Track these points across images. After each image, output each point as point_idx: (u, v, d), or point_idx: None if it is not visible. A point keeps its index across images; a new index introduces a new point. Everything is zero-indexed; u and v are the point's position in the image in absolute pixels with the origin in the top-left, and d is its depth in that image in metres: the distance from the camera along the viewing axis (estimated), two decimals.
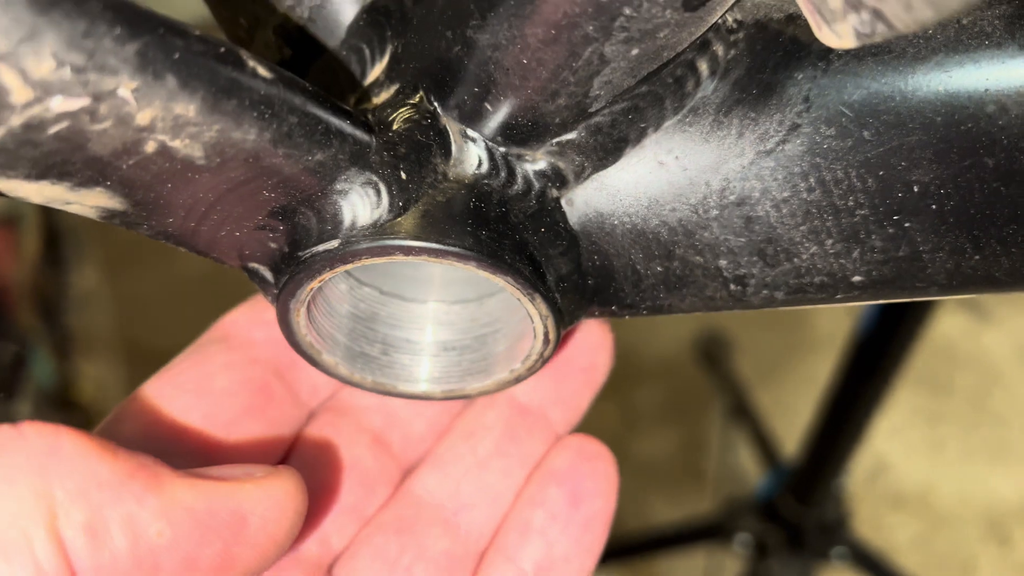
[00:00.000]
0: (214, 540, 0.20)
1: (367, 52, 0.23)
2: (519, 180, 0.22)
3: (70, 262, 1.25)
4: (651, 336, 1.26)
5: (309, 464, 0.27)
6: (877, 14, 0.15)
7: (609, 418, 1.20)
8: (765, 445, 1.08)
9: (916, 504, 1.19)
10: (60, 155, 0.18)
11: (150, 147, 0.18)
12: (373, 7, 0.24)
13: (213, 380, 0.27)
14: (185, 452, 0.25)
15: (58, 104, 0.16)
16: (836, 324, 1.27)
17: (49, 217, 1.20)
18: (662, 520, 1.12)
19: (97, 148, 0.18)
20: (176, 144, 0.18)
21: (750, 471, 1.14)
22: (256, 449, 0.26)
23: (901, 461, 1.22)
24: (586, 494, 0.27)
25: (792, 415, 1.18)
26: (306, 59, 0.24)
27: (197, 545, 0.19)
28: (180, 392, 0.26)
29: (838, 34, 0.16)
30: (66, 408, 1.15)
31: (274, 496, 0.21)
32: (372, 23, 0.23)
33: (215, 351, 0.28)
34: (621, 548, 1.05)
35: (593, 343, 0.29)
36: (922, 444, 1.24)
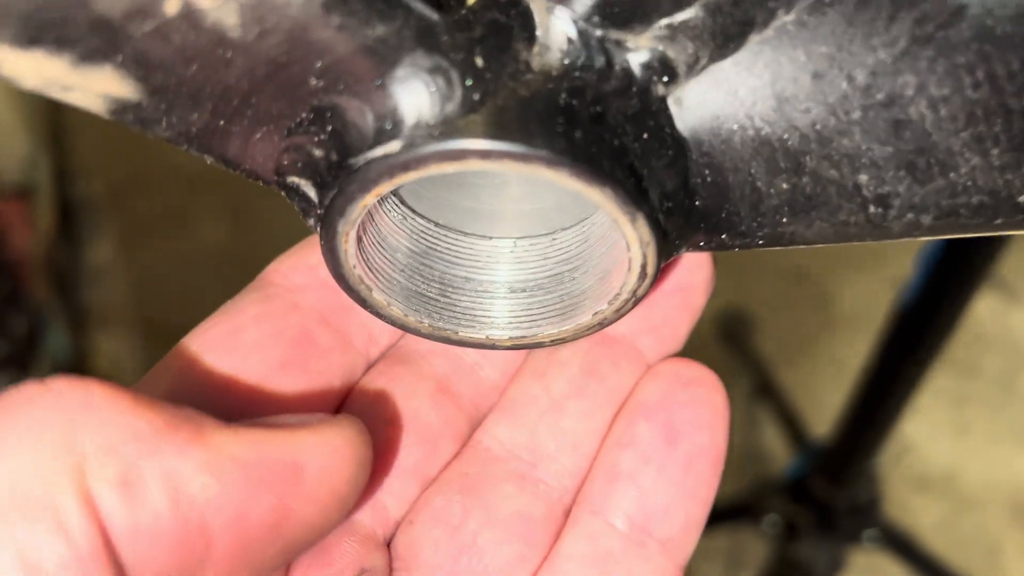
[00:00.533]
0: (267, 494, 0.18)
1: None
2: (618, 72, 0.18)
3: (85, 235, 1.24)
4: None
5: (363, 420, 0.23)
6: None
7: None
8: (792, 425, 1.06)
9: (941, 487, 1.17)
10: (58, 9, 0.14)
11: (171, 6, 0.14)
12: None
13: (242, 334, 0.23)
14: (217, 409, 0.22)
15: None
16: (863, 302, 1.24)
17: (64, 189, 1.18)
18: None
19: (105, 2, 0.14)
20: (205, 3, 0.14)
21: (775, 451, 1.11)
22: (296, 406, 0.23)
23: (926, 443, 1.20)
24: (685, 427, 0.22)
25: (817, 394, 1.15)
26: None
27: (248, 499, 0.17)
28: (207, 350, 0.23)
29: None
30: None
31: (333, 445, 0.19)
32: None
33: (249, 302, 0.24)
34: None
35: (689, 258, 0.24)
36: (948, 426, 1.22)
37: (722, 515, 1.01)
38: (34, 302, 1.08)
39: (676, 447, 0.22)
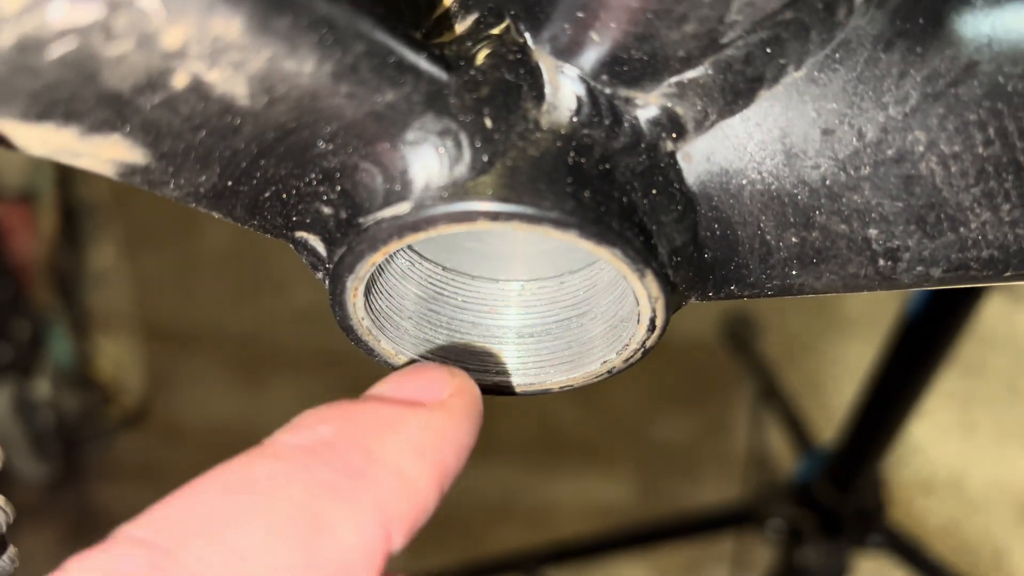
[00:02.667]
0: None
1: None
2: (626, 129, 0.18)
3: (88, 239, 1.24)
4: (676, 316, 1.23)
5: None
6: None
7: (633, 400, 1.17)
8: (797, 429, 1.05)
9: (947, 489, 1.17)
10: (67, 88, 0.14)
11: (181, 80, 0.14)
12: None
13: None
14: None
15: (62, 13, 0.12)
16: (867, 304, 1.24)
17: (67, 193, 1.18)
18: (687, 504, 1.10)
19: (114, 80, 0.14)
20: (214, 76, 0.14)
21: (780, 456, 1.11)
22: None
23: (932, 445, 1.20)
24: None
25: (822, 397, 1.15)
26: None
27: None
28: None
29: None
30: (84, 386, 1.14)
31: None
32: None
33: None
34: (649, 533, 1.03)
35: None
36: (954, 427, 1.22)
37: (727, 519, 1.01)
38: (37, 306, 1.08)
39: None
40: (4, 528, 0.18)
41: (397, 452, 0.17)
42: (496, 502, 1.10)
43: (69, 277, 1.18)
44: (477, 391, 0.20)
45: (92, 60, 0.13)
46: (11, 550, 0.18)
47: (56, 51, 0.13)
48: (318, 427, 0.17)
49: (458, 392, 0.19)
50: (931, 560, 0.94)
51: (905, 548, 0.95)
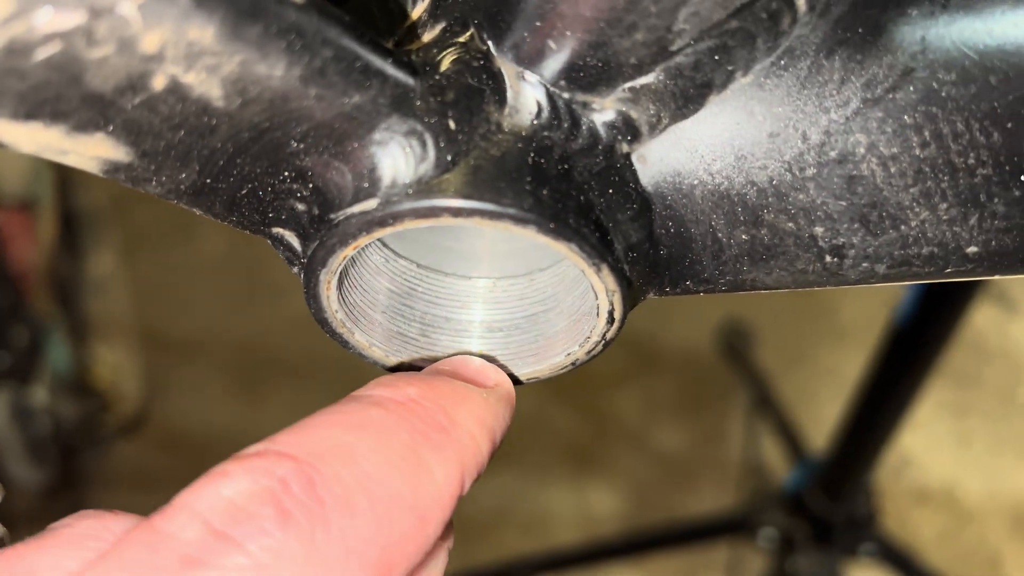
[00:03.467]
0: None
1: None
2: (584, 132, 0.19)
3: (87, 247, 1.24)
4: (671, 325, 1.23)
5: None
6: None
7: (629, 409, 1.18)
8: (790, 438, 1.06)
9: (941, 499, 1.17)
10: (52, 88, 0.15)
11: (159, 82, 0.15)
12: None
13: None
14: None
15: (47, 19, 0.13)
16: (861, 313, 1.24)
17: (66, 201, 1.19)
18: (681, 513, 1.10)
19: (96, 81, 0.15)
20: (190, 79, 0.15)
21: (774, 465, 1.11)
22: None
23: (926, 455, 1.20)
24: None
25: (816, 406, 1.15)
26: None
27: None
28: None
29: None
30: (82, 393, 1.15)
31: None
32: None
33: None
34: (642, 541, 1.03)
35: None
36: (948, 438, 1.22)
37: (721, 528, 1.02)
38: (36, 313, 1.09)
39: None
40: None
41: (467, 418, 0.20)
42: (492, 509, 1.11)
43: (67, 284, 1.19)
44: (511, 384, 0.23)
45: (76, 63, 0.14)
46: (1, 529, 0.19)
47: (42, 54, 0.14)
48: (407, 388, 0.20)
49: (501, 382, 0.23)
50: (922, 569, 0.95)
51: (897, 557, 0.95)
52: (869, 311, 1.23)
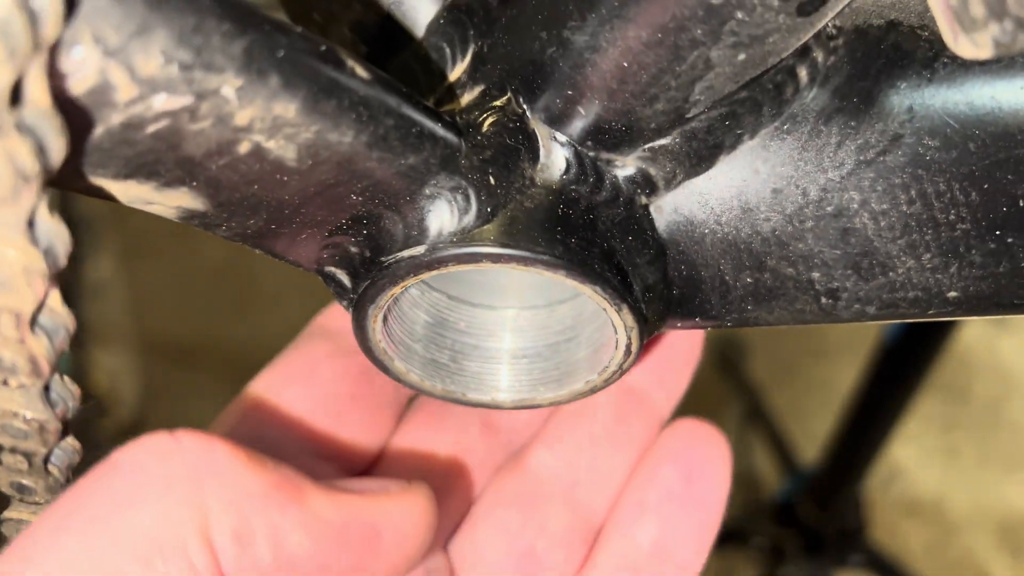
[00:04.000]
0: (349, 552, 0.20)
1: (448, 51, 0.23)
2: (607, 186, 0.22)
3: (85, 252, 1.24)
4: None
5: (415, 448, 0.28)
6: (1021, 23, 0.15)
7: None
8: (781, 450, 1.08)
9: (929, 511, 1.18)
10: (153, 155, 0.17)
11: (244, 148, 0.18)
12: (454, 5, 0.23)
13: (319, 369, 0.27)
14: (296, 439, 0.26)
15: (161, 103, 0.16)
16: (851, 329, 1.26)
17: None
18: None
19: (191, 148, 0.17)
20: (271, 145, 0.18)
21: (765, 476, 1.13)
22: (363, 432, 0.27)
23: (915, 467, 1.21)
24: (700, 472, 0.27)
25: (807, 418, 1.17)
26: (383, 58, 0.23)
27: (334, 556, 0.20)
28: (289, 383, 0.26)
29: (976, 44, 0.15)
30: (79, 398, 1.15)
31: (408, 512, 0.22)
32: (453, 21, 0.23)
33: (317, 343, 0.28)
34: None
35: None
36: (936, 451, 1.23)
37: None
38: None
39: (693, 487, 0.27)
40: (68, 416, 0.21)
41: None
42: None
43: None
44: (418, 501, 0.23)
45: (178, 134, 0.17)
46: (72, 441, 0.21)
47: (152, 128, 0.16)
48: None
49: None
50: None
51: (885, 567, 0.97)
52: (858, 327, 1.24)
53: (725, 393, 1.19)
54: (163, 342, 1.24)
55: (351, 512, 0.20)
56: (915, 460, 1.21)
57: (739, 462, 1.08)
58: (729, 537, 1.00)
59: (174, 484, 0.18)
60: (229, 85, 0.16)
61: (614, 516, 0.27)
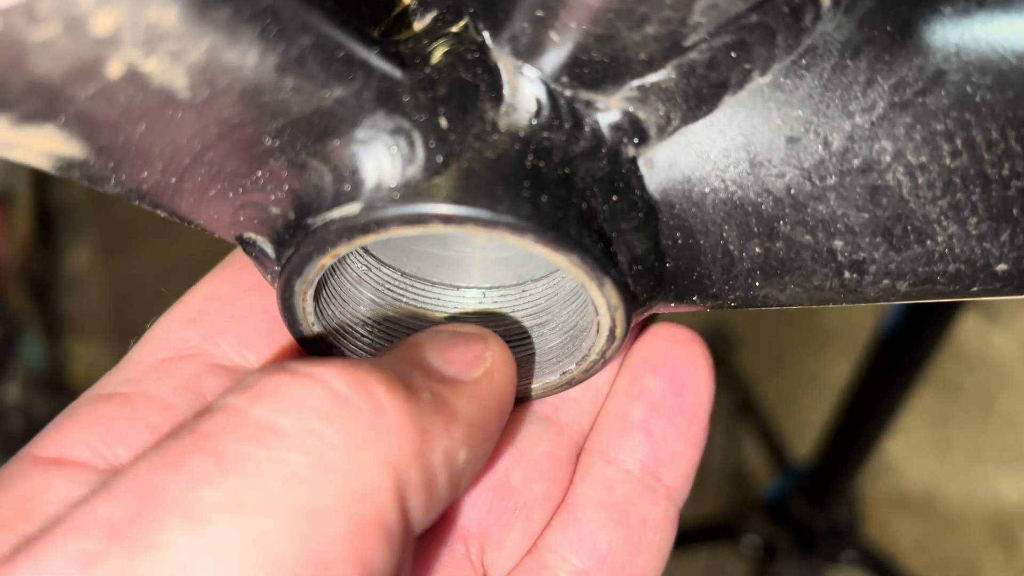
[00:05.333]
0: (489, 441, 0.19)
1: None
2: (587, 133, 0.18)
3: (63, 242, 1.23)
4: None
5: None
6: None
7: None
8: (772, 444, 1.05)
9: (921, 506, 1.17)
10: None
11: (114, 69, 0.14)
12: None
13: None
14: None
15: None
16: (844, 319, 1.24)
17: (42, 195, 1.16)
18: None
19: (42, 66, 0.13)
20: (150, 66, 0.14)
21: (755, 471, 1.11)
22: None
23: (906, 462, 1.20)
24: (687, 381, 0.24)
25: (798, 412, 1.15)
26: None
27: (484, 452, 0.19)
28: (242, 291, 0.22)
29: None
30: (56, 391, 1.12)
31: (506, 367, 0.20)
32: None
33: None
34: None
35: None
36: (928, 445, 1.22)
37: (702, 534, 1.01)
38: (10, 310, 1.07)
39: (682, 399, 0.24)
40: None
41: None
42: None
43: (43, 281, 1.16)
44: (505, 360, 0.21)
45: (16, 44, 0.13)
46: None
47: None
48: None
49: (491, 367, 0.20)
50: None
51: (878, 565, 0.95)
52: (852, 317, 1.23)
53: (714, 386, 1.16)
54: (141, 334, 1.20)
55: (485, 400, 0.19)
56: (906, 454, 1.20)
57: (729, 457, 1.06)
58: (719, 534, 0.98)
59: (359, 448, 0.16)
60: None
61: (596, 435, 0.24)
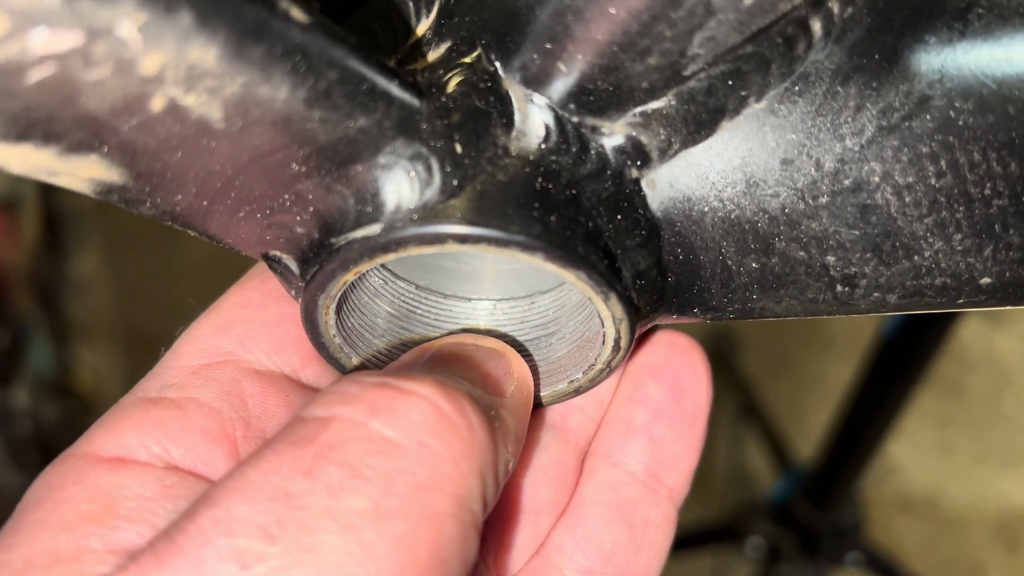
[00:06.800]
0: (521, 447, 0.21)
1: (411, 5, 0.20)
2: (593, 156, 0.19)
3: (70, 247, 1.23)
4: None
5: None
6: None
7: None
8: (776, 447, 1.06)
9: (925, 507, 1.18)
10: (45, 110, 0.14)
11: (157, 104, 0.15)
12: None
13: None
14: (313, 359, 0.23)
15: (42, 40, 0.13)
16: (846, 321, 1.25)
17: (49, 201, 1.17)
18: None
19: (92, 103, 0.14)
20: (190, 101, 0.15)
21: (759, 473, 1.11)
22: None
23: (910, 463, 1.20)
24: (688, 387, 0.25)
25: (801, 414, 1.15)
26: (341, 10, 0.20)
27: (518, 459, 0.21)
28: (271, 299, 0.23)
29: None
30: (64, 395, 1.13)
31: (529, 386, 0.22)
32: None
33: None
34: None
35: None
36: (932, 446, 1.22)
37: (706, 537, 1.02)
38: (18, 314, 1.07)
39: (682, 404, 0.25)
40: None
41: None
42: None
43: (50, 286, 1.17)
44: (528, 381, 0.22)
45: (71, 85, 0.14)
46: None
47: (35, 76, 0.13)
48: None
49: (520, 381, 0.22)
50: None
51: (882, 566, 0.96)
52: (855, 320, 1.23)
53: (718, 388, 1.16)
54: (148, 338, 1.21)
55: (519, 411, 0.21)
56: (910, 456, 1.20)
57: (733, 460, 1.07)
58: (724, 536, 0.99)
59: (459, 461, 0.17)
60: (129, 20, 0.13)
61: (600, 439, 0.26)
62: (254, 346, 0.22)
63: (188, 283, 1.28)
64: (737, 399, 1.14)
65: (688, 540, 1.02)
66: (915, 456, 1.20)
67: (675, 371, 0.25)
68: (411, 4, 0.20)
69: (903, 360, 0.79)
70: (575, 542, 0.24)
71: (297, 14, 0.15)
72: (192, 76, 0.14)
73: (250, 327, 0.22)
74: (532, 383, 0.22)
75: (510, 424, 0.20)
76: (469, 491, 0.17)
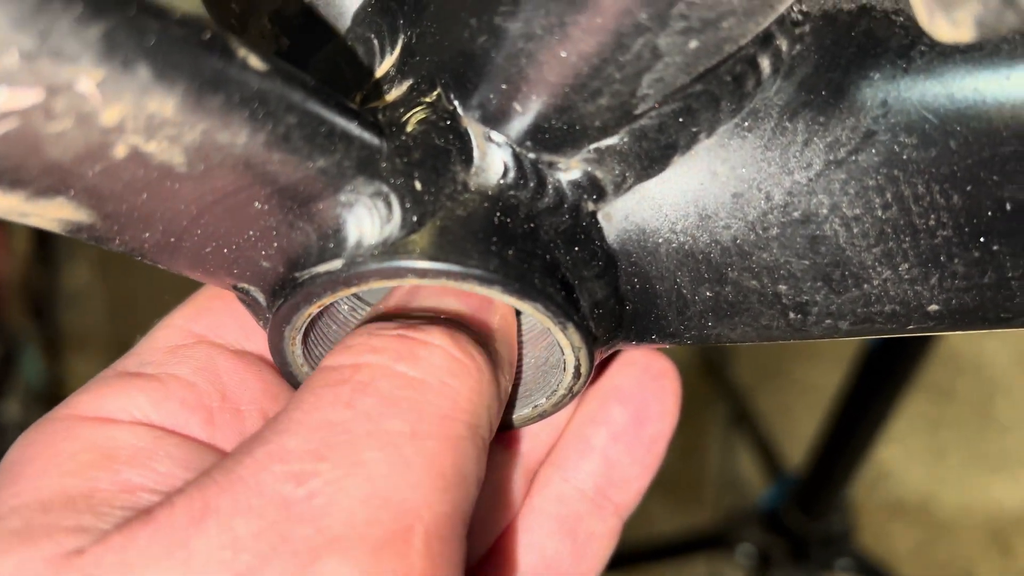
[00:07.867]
0: (514, 355, 0.22)
1: (376, 43, 0.20)
2: (550, 191, 0.19)
3: (62, 259, 1.23)
4: None
5: None
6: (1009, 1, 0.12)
7: None
8: (767, 454, 1.06)
9: (916, 512, 1.18)
10: (11, 160, 0.15)
11: (120, 151, 0.15)
12: None
13: None
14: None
15: (4, 98, 0.13)
16: None
17: None
18: (660, 528, 1.10)
19: (55, 152, 0.15)
20: (151, 148, 0.15)
21: (751, 480, 1.12)
22: None
23: (902, 468, 1.21)
24: (652, 414, 0.26)
25: (793, 422, 1.16)
26: (306, 51, 0.21)
27: (512, 367, 0.22)
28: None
29: (955, 23, 0.13)
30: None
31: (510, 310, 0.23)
32: (382, 10, 0.21)
33: None
34: (620, 556, 1.03)
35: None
36: (923, 451, 1.22)
37: (697, 544, 1.02)
38: (10, 326, 1.07)
39: (643, 430, 0.26)
40: None
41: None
42: None
43: (42, 298, 1.17)
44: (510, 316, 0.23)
45: (34, 137, 0.14)
46: None
47: (0, 129, 0.14)
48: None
49: (504, 321, 0.23)
50: None
51: (872, 572, 0.96)
52: None
53: (709, 396, 1.17)
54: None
55: (508, 339, 0.22)
56: (901, 461, 1.20)
57: (724, 467, 1.07)
58: (715, 543, 0.99)
59: (472, 397, 0.20)
60: (87, 77, 0.14)
61: (558, 451, 0.27)
62: (225, 331, 0.23)
63: (179, 296, 1.28)
64: (728, 407, 1.14)
65: (679, 547, 1.02)
66: (906, 461, 1.20)
67: (642, 397, 0.26)
68: (375, 42, 0.21)
69: (890, 367, 0.80)
70: (519, 548, 0.25)
71: (255, 62, 0.16)
72: (152, 125, 0.15)
73: (221, 316, 0.24)
74: (510, 308, 0.23)
75: (504, 354, 0.21)
76: (479, 420, 0.20)
